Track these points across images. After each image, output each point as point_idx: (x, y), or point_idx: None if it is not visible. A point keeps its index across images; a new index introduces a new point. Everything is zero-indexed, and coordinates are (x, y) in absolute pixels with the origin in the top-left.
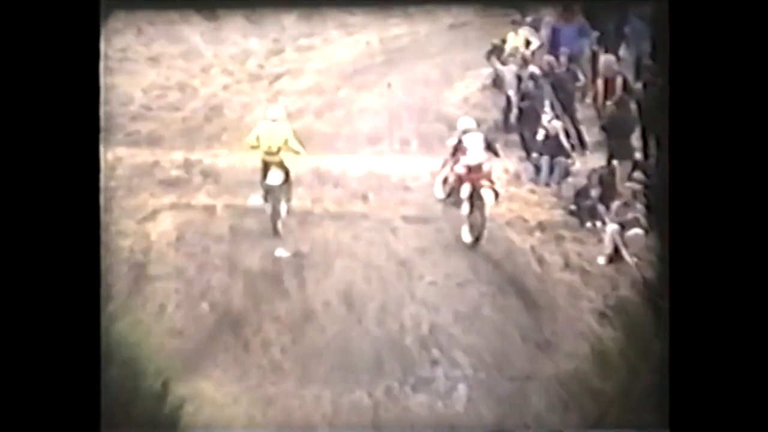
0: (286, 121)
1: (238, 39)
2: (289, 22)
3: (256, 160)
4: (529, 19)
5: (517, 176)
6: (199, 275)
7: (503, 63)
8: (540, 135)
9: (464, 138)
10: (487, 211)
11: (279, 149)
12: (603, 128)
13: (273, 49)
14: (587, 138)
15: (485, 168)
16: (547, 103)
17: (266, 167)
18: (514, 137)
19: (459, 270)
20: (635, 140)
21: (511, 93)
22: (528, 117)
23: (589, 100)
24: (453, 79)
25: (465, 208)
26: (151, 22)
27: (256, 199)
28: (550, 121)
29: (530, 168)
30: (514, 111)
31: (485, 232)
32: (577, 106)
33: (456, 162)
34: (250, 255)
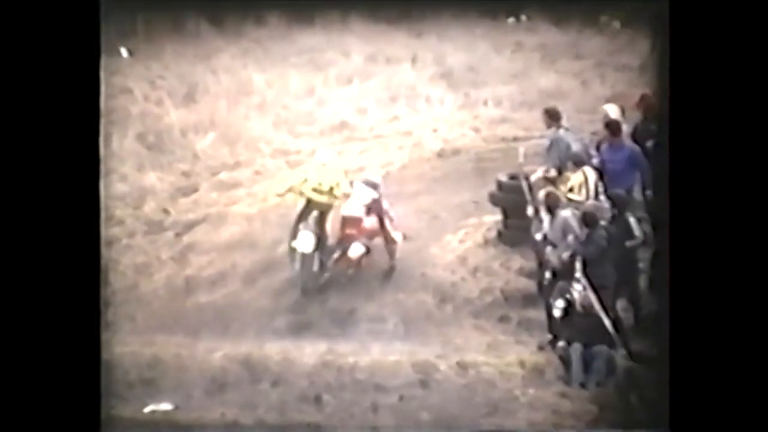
0: (336, 165)
1: (130, 171)
2: (204, 146)
3: None
4: (562, 132)
5: (538, 372)
6: None
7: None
8: (570, 312)
9: (355, 184)
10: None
11: (331, 188)
12: None
13: (181, 187)
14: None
15: (365, 224)
16: (578, 266)
17: (304, 215)
18: (535, 314)
19: None
20: None
21: (540, 250)
22: (558, 286)
23: (642, 264)
24: (443, 230)
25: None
26: None
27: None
28: (582, 292)
29: (557, 361)
30: (547, 276)
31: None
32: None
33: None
34: None
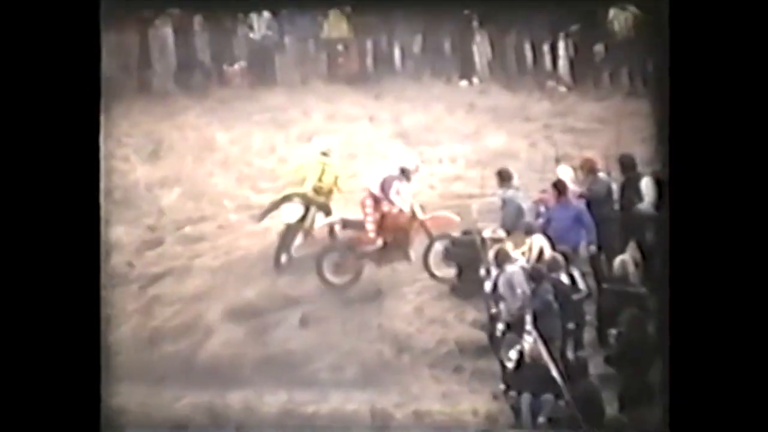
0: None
1: None
2: (169, 201)
3: None
4: (512, 192)
5: (491, 421)
6: None
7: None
8: (520, 363)
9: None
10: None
11: (331, 189)
12: (608, 359)
13: (147, 241)
14: (592, 370)
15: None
16: (528, 319)
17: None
18: (488, 364)
19: None
20: (655, 375)
21: (491, 303)
22: (508, 338)
23: (590, 316)
24: (401, 282)
25: None
26: None
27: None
28: (533, 344)
29: (508, 409)
30: (499, 328)
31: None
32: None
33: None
34: None
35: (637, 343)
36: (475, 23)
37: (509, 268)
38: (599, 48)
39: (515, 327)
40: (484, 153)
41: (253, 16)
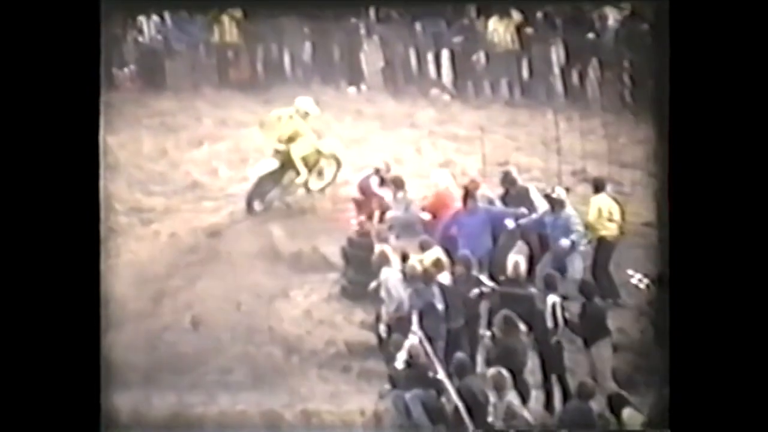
0: (306, 120)
1: None
2: None
3: None
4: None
5: (377, 419)
6: None
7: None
8: (401, 361)
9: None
10: None
11: (290, 139)
12: (488, 362)
13: None
14: (480, 368)
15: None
16: (415, 319)
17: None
18: (375, 364)
19: None
20: (530, 375)
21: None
22: (394, 339)
23: (483, 318)
24: (289, 285)
25: None
26: None
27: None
28: (417, 345)
29: (393, 408)
30: (382, 328)
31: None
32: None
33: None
34: None
35: (510, 343)
36: (363, 32)
37: (385, 271)
38: (480, 58)
39: (401, 328)
40: (373, 158)
41: (143, 20)
